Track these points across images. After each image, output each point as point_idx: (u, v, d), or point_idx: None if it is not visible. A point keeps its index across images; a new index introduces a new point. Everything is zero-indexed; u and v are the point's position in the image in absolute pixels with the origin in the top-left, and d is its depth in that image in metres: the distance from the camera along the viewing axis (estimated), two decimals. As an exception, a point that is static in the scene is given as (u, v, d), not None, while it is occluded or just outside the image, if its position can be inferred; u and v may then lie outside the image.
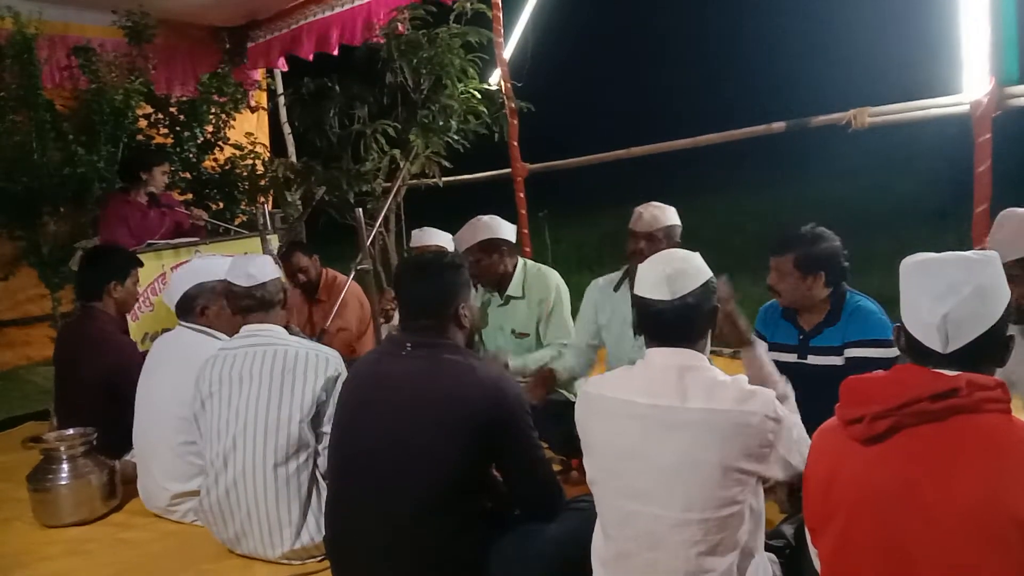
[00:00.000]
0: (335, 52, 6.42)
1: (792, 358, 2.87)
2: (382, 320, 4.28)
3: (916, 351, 1.52)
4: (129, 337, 3.83)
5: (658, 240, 3.22)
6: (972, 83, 3.77)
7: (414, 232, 4.47)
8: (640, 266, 2.03)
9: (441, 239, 4.30)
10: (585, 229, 11.51)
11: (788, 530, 2.15)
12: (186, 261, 4.49)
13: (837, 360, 2.73)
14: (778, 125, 4.68)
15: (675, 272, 1.93)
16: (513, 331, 3.71)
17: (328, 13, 6.38)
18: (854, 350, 2.69)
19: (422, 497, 2.17)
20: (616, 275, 3.55)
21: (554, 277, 3.74)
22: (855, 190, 11.84)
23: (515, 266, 3.72)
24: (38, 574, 2.84)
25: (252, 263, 2.91)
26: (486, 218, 3.67)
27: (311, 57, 6.66)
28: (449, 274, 2.38)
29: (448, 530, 2.20)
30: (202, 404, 2.79)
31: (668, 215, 3.32)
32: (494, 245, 3.62)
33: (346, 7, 6.24)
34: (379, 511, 2.21)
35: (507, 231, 3.68)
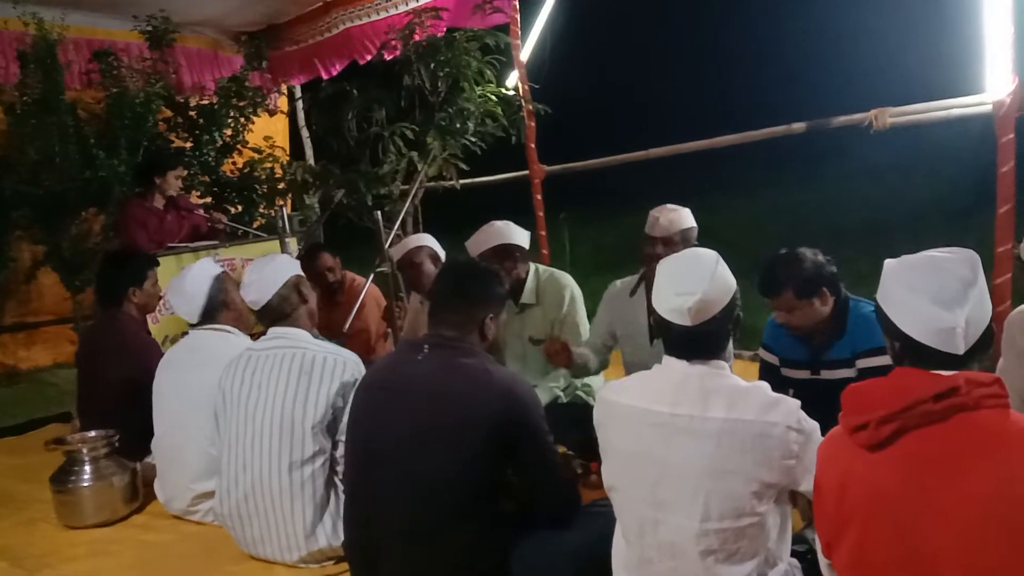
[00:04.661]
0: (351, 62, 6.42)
1: (805, 374, 2.83)
2: (400, 321, 4.28)
3: (920, 355, 1.52)
4: (152, 337, 3.86)
5: (675, 244, 3.19)
6: (995, 82, 3.73)
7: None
8: (658, 278, 1.94)
9: (424, 240, 4.21)
10: (604, 231, 11.47)
11: (811, 535, 2.13)
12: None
13: (850, 372, 2.68)
14: (798, 125, 4.65)
15: (698, 303, 1.84)
16: (530, 338, 3.67)
17: (347, 25, 6.37)
18: (866, 360, 2.64)
19: (439, 501, 2.17)
20: (632, 279, 3.53)
21: (566, 281, 3.69)
22: (876, 191, 11.74)
23: (527, 273, 3.67)
24: (64, 575, 2.86)
25: (256, 284, 2.82)
26: (500, 223, 3.61)
27: (333, 72, 6.64)
28: (485, 282, 2.40)
29: (466, 533, 2.19)
30: (223, 403, 2.79)
31: (684, 218, 3.30)
32: (507, 251, 3.55)
33: (364, 21, 6.24)
34: (399, 515, 2.21)
35: (521, 237, 3.62)
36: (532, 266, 3.72)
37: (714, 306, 1.86)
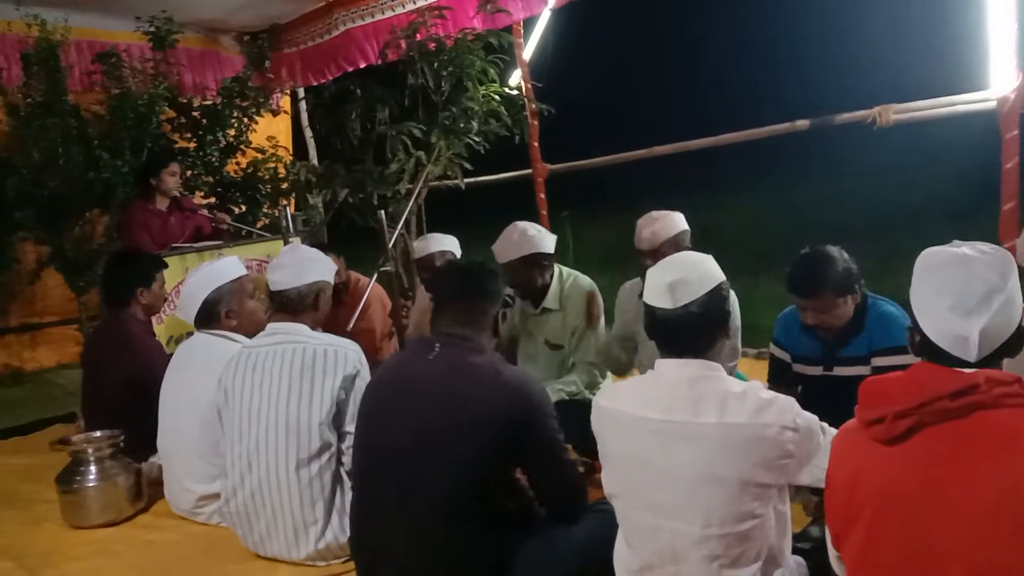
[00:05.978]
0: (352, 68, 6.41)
1: (818, 371, 2.80)
2: (404, 320, 4.27)
3: (935, 354, 1.51)
4: (156, 339, 3.86)
5: (664, 255, 3.17)
6: (999, 79, 3.73)
7: (417, 243, 4.33)
8: (648, 271, 1.99)
9: (447, 244, 4.21)
10: (607, 229, 11.44)
11: (815, 532, 2.13)
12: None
13: (864, 370, 2.64)
14: (802, 123, 4.65)
15: (677, 281, 1.87)
16: (547, 341, 3.62)
17: (350, 26, 6.36)
18: (882, 359, 2.61)
19: (445, 499, 2.17)
20: (640, 281, 3.50)
21: (590, 288, 3.61)
22: (880, 188, 11.71)
23: (551, 276, 3.58)
24: (68, 574, 2.87)
25: (284, 269, 2.83)
26: (530, 230, 3.50)
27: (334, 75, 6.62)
28: (490, 280, 2.43)
29: (472, 532, 2.19)
30: (225, 402, 2.79)
31: (669, 226, 3.23)
32: (535, 260, 3.48)
33: (367, 21, 6.23)
34: (403, 513, 2.21)
35: (548, 243, 3.54)
36: (556, 269, 3.63)
37: (694, 289, 1.87)
